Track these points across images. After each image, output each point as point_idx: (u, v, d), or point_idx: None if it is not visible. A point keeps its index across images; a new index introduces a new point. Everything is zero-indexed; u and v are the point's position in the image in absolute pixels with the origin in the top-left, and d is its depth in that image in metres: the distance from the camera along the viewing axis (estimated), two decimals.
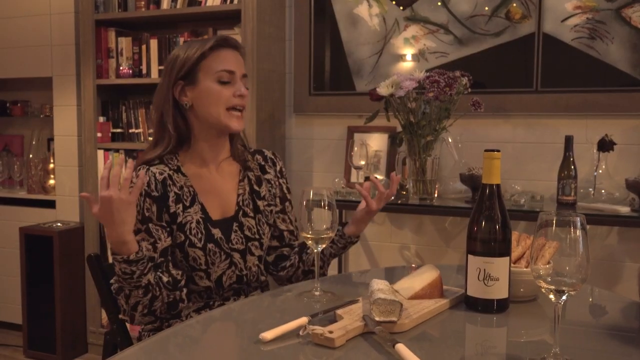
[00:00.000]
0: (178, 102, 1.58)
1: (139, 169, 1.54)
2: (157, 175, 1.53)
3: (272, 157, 1.75)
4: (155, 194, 1.52)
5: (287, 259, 1.73)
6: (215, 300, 1.58)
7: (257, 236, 1.63)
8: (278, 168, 1.75)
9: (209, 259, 1.55)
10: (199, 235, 1.54)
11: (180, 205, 1.55)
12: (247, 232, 1.62)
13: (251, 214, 1.64)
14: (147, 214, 1.50)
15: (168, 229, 1.53)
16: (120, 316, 1.53)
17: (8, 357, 3.33)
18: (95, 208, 1.34)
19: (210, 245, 1.55)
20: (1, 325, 3.61)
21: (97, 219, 1.33)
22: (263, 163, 1.72)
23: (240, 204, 1.63)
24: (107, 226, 1.37)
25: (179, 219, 1.54)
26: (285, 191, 1.74)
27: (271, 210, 1.68)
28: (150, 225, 1.50)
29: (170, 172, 1.56)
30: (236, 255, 1.59)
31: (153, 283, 1.44)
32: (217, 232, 1.57)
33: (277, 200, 1.71)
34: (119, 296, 1.46)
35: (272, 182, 1.71)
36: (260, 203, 1.66)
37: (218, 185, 1.62)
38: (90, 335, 3.36)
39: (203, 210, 1.57)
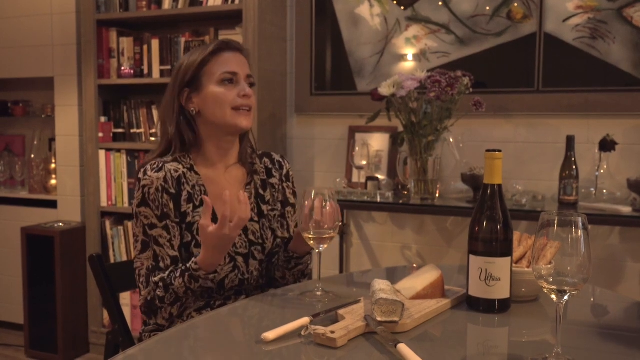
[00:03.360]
0: (185, 110, 1.60)
1: (151, 164, 1.55)
2: (172, 172, 1.55)
3: (280, 160, 1.74)
4: (172, 190, 1.53)
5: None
6: (216, 299, 1.58)
7: (260, 241, 1.63)
8: (284, 172, 1.73)
9: None
10: None
11: (191, 205, 1.56)
12: (250, 237, 1.62)
13: (255, 219, 1.64)
14: (165, 210, 1.52)
15: (178, 227, 1.54)
16: (160, 321, 1.56)
17: (9, 357, 3.34)
18: (226, 229, 1.37)
19: None
20: (3, 325, 3.61)
21: (221, 239, 1.39)
22: (270, 166, 1.72)
23: None
24: (225, 248, 1.43)
25: (188, 219, 1.55)
26: (289, 196, 1.72)
27: (274, 215, 1.68)
28: (168, 222, 1.52)
29: (184, 170, 1.58)
30: (239, 259, 1.59)
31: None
32: None
33: (279, 204, 1.70)
34: (173, 306, 1.51)
35: (276, 186, 1.70)
36: (264, 207, 1.66)
37: (226, 188, 1.62)
38: (91, 335, 3.36)
39: (212, 211, 1.57)
